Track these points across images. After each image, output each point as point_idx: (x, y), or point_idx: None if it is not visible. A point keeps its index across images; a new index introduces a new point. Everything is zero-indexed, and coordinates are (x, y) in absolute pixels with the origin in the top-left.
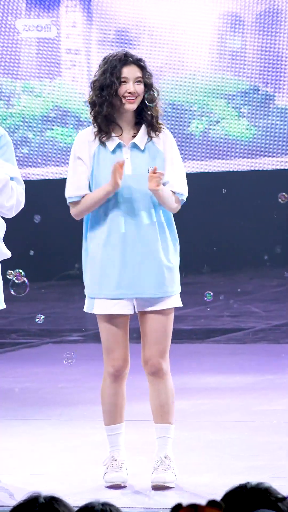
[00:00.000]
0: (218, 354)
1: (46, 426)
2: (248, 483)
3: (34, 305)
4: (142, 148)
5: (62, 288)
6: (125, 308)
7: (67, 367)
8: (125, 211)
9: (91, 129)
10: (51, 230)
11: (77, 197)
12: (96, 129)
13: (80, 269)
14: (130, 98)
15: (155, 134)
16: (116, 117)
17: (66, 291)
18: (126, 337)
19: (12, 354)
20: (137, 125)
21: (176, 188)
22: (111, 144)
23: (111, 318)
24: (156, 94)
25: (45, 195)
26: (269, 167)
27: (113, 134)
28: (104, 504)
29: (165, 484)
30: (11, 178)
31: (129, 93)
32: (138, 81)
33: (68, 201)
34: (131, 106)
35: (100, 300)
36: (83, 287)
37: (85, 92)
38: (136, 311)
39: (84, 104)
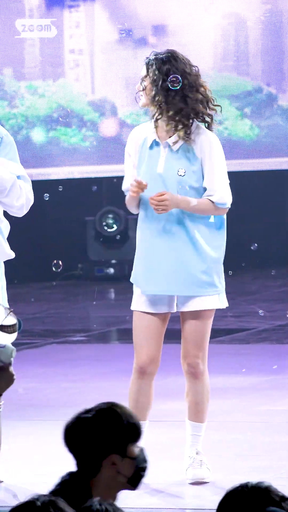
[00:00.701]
0: (221, 354)
1: (50, 427)
2: (248, 482)
3: (38, 306)
4: (174, 149)
5: (65, 288)
6: (157, 306)
7: (70, 367)
8: (161, 214)
9: (141, 125)
10: (54, 231)
11: (124, 191)
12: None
13: (82, 269)
14: (137, 96)
15: (187, 136)
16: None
17: (69, 291)
18: (157, 335)
19: (16, 354)
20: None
21: (215, 198)
22: (150, 141)
23: (142, 314)
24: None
25: (48, 196)
26: (273, 167)
27: (153, 131)
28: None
29: (203, 480)
30: (18, 177)
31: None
32: (142, 80)
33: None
34: (139, 103)
35: (136, 296)
36: (86, 288)
37: (89, 92)
38: (176, 310)
39: (87, 104)
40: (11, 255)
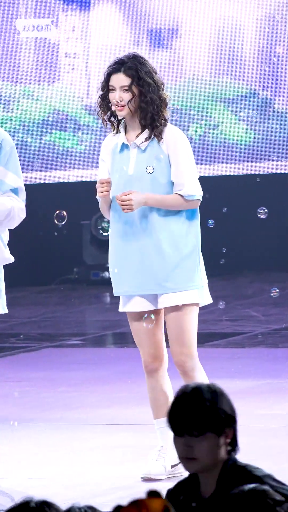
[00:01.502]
0: (217, 358)
1: (46, 430)
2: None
3: (34, 309)
4: (143, 148)
5: (61, 292)
6: (140, 304)
7: (67, 371)
8: (130, 212)
9: (111, 133)
10: (50, 235)
11: (99, 198)
12: (112, 131)
13: (78, 273)
14: (117, 106)
15: (158, 135)
16: (125, 119)
17: (65, 295)
18: (151, 333)
19: (12, 358)
20: (144, 127)
21: (183, 191)
22: (119, 144)
23: (131, 315)
24: (152, 100)
25: (44, 200)
26: (268, 171)
27: (122, 134)
28: (82, 508)
29: None
30: (14, 189)
31: (116, 101)
32: (124, 90)
33: None
34: (120, 113)
35: (121, 297)
36: (82, 291)
37: (84, 96)
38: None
39: (82, 108)
40: (11, 259)
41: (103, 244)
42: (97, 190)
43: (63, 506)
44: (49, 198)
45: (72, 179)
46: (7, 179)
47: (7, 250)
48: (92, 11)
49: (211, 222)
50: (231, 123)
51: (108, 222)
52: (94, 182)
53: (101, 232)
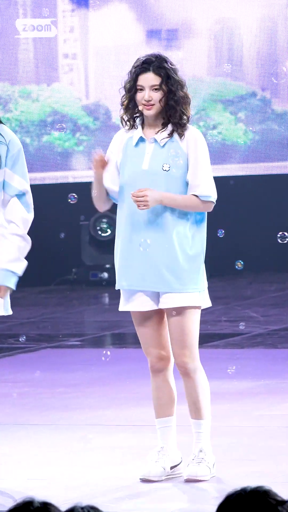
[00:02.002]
0: (216, 359)
1: (45, 431)
2: (248, 486)
3: (33, 310)
4: (161, 144)
5: (60, 293)
6: (141, 304)
7: (65, 372)
8: (138, 209)
9: (124, 129)
10: (49, 235)
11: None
12: (127, 125)
13: (77, 273)
14: (146, 105)
15: (181, 132)
16: (146, 117)
17: (64, 296)
18: (155, 333)
19: (11, 359)
20: (165, 124)
21: (198, 192)
22: (135, 138)
23: (135, 315)
24: (180, 97)
25: (43, 200)
26: (267, 172)
27: (139, 129)
28: (84, 508)
29: (197, 478)
30: (21, 193)
31: (145, 100)
32: (155, 89)
33: None
34: (148, 112)
35: (122, 296)
36: (81, 292)
37: (83, 97)
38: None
39: (81, 108)
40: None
41: (102, 245)
42: (93, 163)
43: (64, 506)
44: (48, 199)
45: (71, 180)
46: (14, 182)
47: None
48: (90, 11)
49: (220, 232)
50: (229, 124)
51: (107, 222)
52: (93, 183)
53: (99, 232)
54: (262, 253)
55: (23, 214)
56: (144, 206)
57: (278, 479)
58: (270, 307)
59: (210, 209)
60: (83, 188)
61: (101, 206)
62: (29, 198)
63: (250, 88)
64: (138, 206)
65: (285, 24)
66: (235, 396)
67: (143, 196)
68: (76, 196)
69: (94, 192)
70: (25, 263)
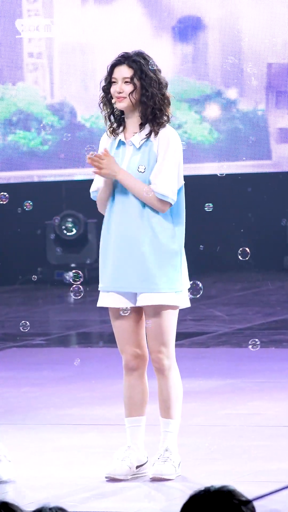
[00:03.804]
0: (181, 357)
1: (9, 431)
2: (212, 486)
3: None
4: (137, 146)
5: (25, 292)
6: (119, 300)
7: (31, 371)
8: (119, 208)
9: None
10: (13, 235)
11: (92, 192)
12: (109, 122)
13: (42, 273)
14: (118, 97)
15: (156, 131)
16: (125, 116)
17: (29, 295)
18: (131, 330)
19: None
20: (143, 124)
21: (157, 189)
22: (116, 141)
23: (112, 311)
24: (153, 94)
25: (8, 200)
26: (232, 171)
27: (120, 132)
28: (52, 508)
29: (163, 477)
30: None
31: (117, 92)
32: (126, 82)
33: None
34: (119, 105)
35: (101, 293)
36: (46, 291)
37: (48, 96)
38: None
39: (46, 108)
40: None
41: (67, 244)
42: (89, 161)
43: (31, 507)
44: (12, 198)
45: (36, 179)
46: None
47: None
48: (56, 11)
49: None
50: (195, 123)
51: (72, 222)
52: (58, 182)
53: (65, 232)
54: (228, 252)
55: None
56: (97, 167)
57: (243, 478)
58: (234, 306)
59: (165, 210)
60: (50, 187)
61: (104, 209)
62: None
63: (215, 87)
64: (94, 166)
65: (249, 22)
66: (200, 395)
67: (101, 160)
68: (7, 195)
69: (101, 195)
70: None
